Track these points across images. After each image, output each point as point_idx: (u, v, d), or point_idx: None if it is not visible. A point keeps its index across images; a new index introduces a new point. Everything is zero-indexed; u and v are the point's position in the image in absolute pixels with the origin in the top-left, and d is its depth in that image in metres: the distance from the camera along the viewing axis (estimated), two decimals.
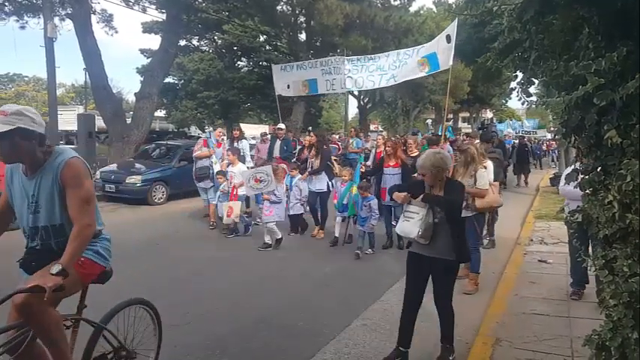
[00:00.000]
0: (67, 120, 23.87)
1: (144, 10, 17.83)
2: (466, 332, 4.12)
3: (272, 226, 7.05)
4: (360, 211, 6.83)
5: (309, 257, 6.70)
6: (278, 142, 10.19)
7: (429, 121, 35.86)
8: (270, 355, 3.74)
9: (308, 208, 8.14)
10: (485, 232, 6.46)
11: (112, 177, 11.31)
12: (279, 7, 20.61)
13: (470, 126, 44.78)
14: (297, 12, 21.23)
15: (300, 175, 8.12)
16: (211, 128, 11.47)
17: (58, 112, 14.45)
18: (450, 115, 43.58)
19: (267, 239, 7.06)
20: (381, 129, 42.79)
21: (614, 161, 1.93)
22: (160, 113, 33.46)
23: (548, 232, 8.09)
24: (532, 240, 7.59)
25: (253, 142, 14.88)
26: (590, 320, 3.75)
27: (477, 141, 13.81)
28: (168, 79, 27.47)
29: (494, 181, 8.77)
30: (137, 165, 12.09)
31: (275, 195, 7.10)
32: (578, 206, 2.32)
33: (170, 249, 6.94)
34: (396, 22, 20.30)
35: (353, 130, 16.17)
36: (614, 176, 1.87)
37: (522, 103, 2.34)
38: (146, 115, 15.02)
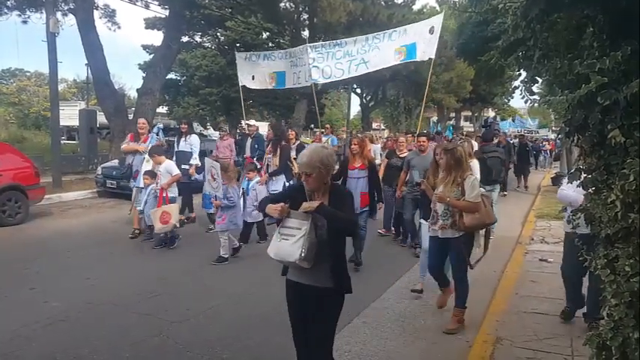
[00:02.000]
0: (69, 115, 23.92)
1: (147, 6, 17.76)
2: (467, 331, 4.13)
3: (224, 236, 6.12)
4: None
5: None
6: (249, 140, 9.17)
7: (435, 119, 35.84)
8: (270, 352, 3.75)
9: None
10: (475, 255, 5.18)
11: (114, 173, 11.33)
12: (282, 4, 20.57)
13: (472, 125, 44.73)
14: (300, 9, 21.19)
15: (258, 178, 7.18)
16: (160, 124, 10.09)
17: (60, 108, 14.43)
18: (453, 114, 43.58)
19: (223, 252, 6.09)
20: (383, 127, 42.78)
21: (617, 160, 1.93)
22: (162, 109, 33.49)
23: (549, 231, 8.09)
24: (533, 239, 7.59)
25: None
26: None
27: (473, 141, 13.53)
28: (171, 76, 27.49)
29: (492, 181, 8.54)
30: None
31: (228, 199, 6.15)
32: (581, 205, 2.33)
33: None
34: (399, 19, 20.24)
35: (328, 126, 14.62)
36: (617, 175, 1.86)
37: (525, 102, 2.33)
38: (148, 112, 15.00)
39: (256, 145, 8.96)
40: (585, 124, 2.02)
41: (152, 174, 6.72)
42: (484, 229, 4.31)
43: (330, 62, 9.49)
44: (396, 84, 30.82)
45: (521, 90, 2.29)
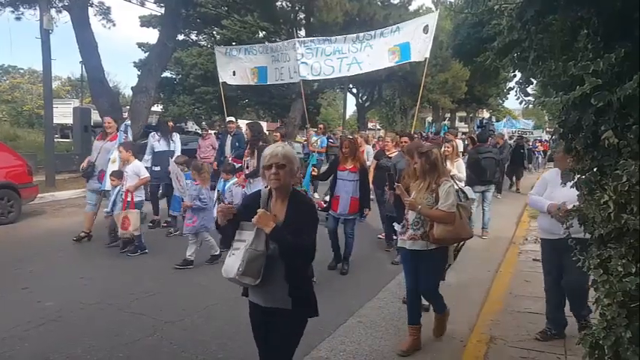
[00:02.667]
0: (63, 113, 23.78)
1: (142, 4, 17.70)
2: (461, 330, 4.14)
3: (193, 238, 5.86)
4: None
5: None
6: (229, 139, 8.73)
7: (430, 119, 35.94)
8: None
9: None
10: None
11: None
12: (278, 3, 20.58)
13: (467, 125, 44.94)
14: (296, 8, 21.21)
15: (235, 179, 6.76)
16: (128, 121, 9.50)
17: (54, 106, 14.34)
18: (448, 115, 43.75)
19: (189, 253, 5.81)
20: (378, 127, 42.85)
21: (610, 162, 1.94)
22: (157, 108, 33.37)
23: None
24: (527, 239, 7.62)
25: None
26: None
27: (459, 140, 13.35)
28: (166, 74, 27.44)
29: (487, 182, 8.52)
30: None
31: (200, 200, 5.85)
32: (574, 205, 2.35)
33: (165, 242, 6.92)
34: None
35: (322, 126, 14.11)
36: (611, 177, 1.88)
37: (520, 103, 2.35)
38: (143, 110, 14.95)
39: (237, 144, 8.56)
40: (579, 126, 2.03)
41: (119, 174, 6.36)
42: (457, 246, 3.92)
43: (319, 59, 9.10)
44: (391, 84, 30.92)
45: (516, 91, 2.31)
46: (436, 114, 38.22)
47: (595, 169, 2.04)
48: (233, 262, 2.33)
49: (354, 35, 9.17)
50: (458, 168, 6.97)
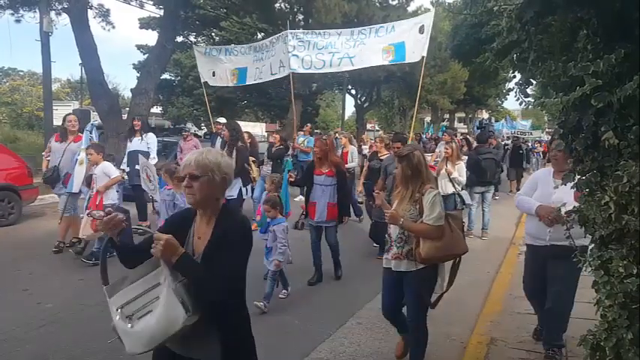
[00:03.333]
0: (63, 115, 23.74)
1: (141, 6, 17.72)
2: (461, 332, 4.14)
3: None
4: (266, 238, 4.87)
5: (304, 255, 6.70)
6: (218, 140, 8.43)
7: (429, 119, 35.93)
8: (266, 353, 3.73)
9: None
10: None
11: None
12: (277, 5, 20.59)
13: (466, 126, 44.96)
14: (295, 10, 21.23)
15: None
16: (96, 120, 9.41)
17: (54, 108, 14.36)
18: (447, 115, 43.77)
19: None
20: (377, 128, 42.88)
21: (610, 162, 1.94)
22: (157, 110, 33.37)
23: None
24: None
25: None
26: (585, 320, 3.77)
27: (454, 143, 13.04)
28: (165, 76, 27.44)
29: (487, 183, 8.40)
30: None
31: (176, 206, 5.34)
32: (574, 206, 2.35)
33: None
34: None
35: (308, 126, 13.21)
36: (611, 177, 1.88)
37: (520, 104, 2.35)
38: (142, 112, 14.93)
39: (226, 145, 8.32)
40: (579, 127, 2.03)
41: (88, 180, 6.09)
42: (455, 262, 3.36)
43: (311, 52, 8.82)
44: (390, 85, 30.92)
45: (515, 92, 2.30)
46: (435, 115, 38.24)
47: (595, 170, 2.04)
48: (162, 315, 1.76)
49: (349, 31, 8.94)
50: (459, 171, 6.93)
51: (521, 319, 4.39)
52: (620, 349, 1.84)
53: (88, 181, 6.10)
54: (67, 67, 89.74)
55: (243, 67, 9.88)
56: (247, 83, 10.40)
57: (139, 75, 19.87)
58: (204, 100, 29.97)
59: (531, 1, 1.91)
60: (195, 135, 16.27)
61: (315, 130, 22.14)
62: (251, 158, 7.28)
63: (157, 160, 7.40)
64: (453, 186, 6.83)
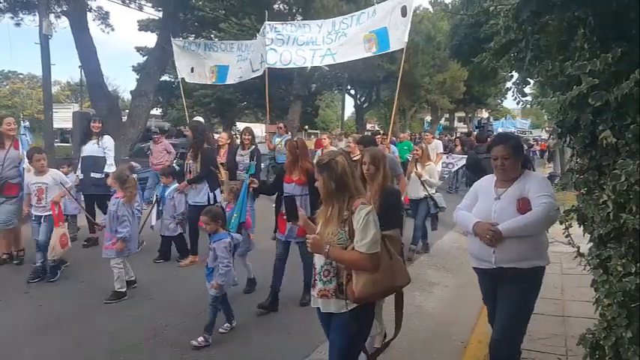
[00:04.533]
0: (63, 118, 23.80)
1: (140, 8, 17.75)
2: (461, 332, 4.13)
3: (114, 266, 4.77)
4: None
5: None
6: None
7: (429, 118, 35.90)
8: (267, 353, 3.74)
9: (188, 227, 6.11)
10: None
11: None
12: (275, 6, 20.61)
13: (466, 125, 44.95)
14: (293, 11, 21.25)
15: (177, 184, 6.10)
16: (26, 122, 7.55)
17: (54, 110, 14.34)
18: (447, 115, 43.78)
19: (118, 285, 4.77)
20: (377, 128, 42.89)
21: (608, 161, 1.95)
22: (156, 111, 33.40)
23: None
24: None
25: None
26: (585, 319, 3.77)
27: (438, 141, 12.15)
28: (165, 78, 27.40)
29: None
30: (132, 164, 12.02)
31: (117, 219, 4.77)
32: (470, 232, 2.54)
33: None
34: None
35: (282, 126, 11.36)
36: (609, 176, 1.88)
37: (517, 103, 2.36)
38: (142, 114, 14.99)
39: None
40: (577, 125, 2.04)
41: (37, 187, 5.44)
42: (396, 295, 2.69)
43: (290, 47, 8.21)
44: (390, 85, 30.91)
45: (513, 91, 2.31)
46: (435, 114, 38.24)
47: (593, 169, 2.05)
48: None
49: (330, 22, 8.29)
50: (430, 172, 6.52)
51: None
52: (620, 348, 1.84)
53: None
54: (67, 69, 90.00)
55: (224, 65, 9.39)
56: (227, 83, 9.97)
57: (138, 77, 19.91)
58: (203, 101, 29.79)
59: (528, 1, 1.92)
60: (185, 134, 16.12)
61: (315, 131, 22.10)
62: (219, 160, 6.71)
63: (114, 167, 6.64)
64: (425, 189, 6.43)
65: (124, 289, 4.82)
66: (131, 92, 16.22)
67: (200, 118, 8.87)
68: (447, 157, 12.21)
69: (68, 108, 29.68)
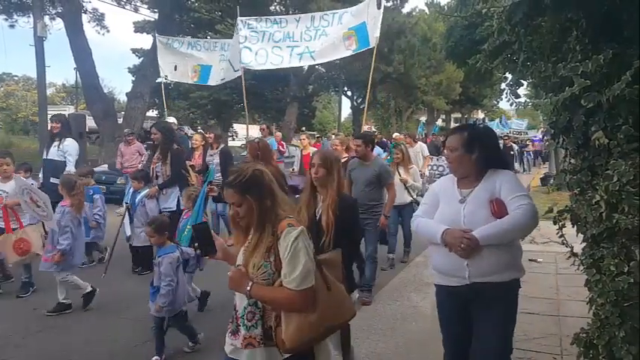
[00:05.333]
0: None
1: (136, 10, 17.76)
2: None
3: (62, 278, 4.42)
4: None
5: None
6: None
7: (424, 119, 35.97)
8: None
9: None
10: None
11: (103, 178, 11.22)
12: (272, 8, 20.62)
13: None
14: (290, 12, 21.24)
15: (147, 190, 5.64)
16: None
17: (48, 112, 14.30)
18: (443, 116, 43.90)
19: (62, 296, 4.45)
20: (374, 129, 42.98)
21: (601, 162, 1.97)
22: (152, 113, 33.30)
23: (539, 231, 8.15)
24: (522, 239, 7.63)
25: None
26: (580, 319, 3.79)
27: (422, 143, 10.56)
28: (160, 79, 27.42)
29: None
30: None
31: (61, 228, 4.38)
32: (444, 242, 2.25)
33: None
34: (389, 23, 20.42)
35: (266, 127, 10.75)
36: (602, 176, 1.90)
37: (511, 104, 2.37)
38: (138, 115, 14.96)
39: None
40: (570, 126, 2.05)
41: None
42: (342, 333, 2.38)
43: (266, 45, 7.55)
44: (386, 86, 31.00)
45: (506, 93, 2.32)
46: (431, 115, 38.35)
47: (586, 169, 2.06)
48: None
49: (309, 17, 7.77)
50: (413, 175, 6.19)
51: (518, 319, 4.39)
52: (613, 347, 1.86)
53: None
54: (62, 71, 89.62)
55: (207, 64, 8.96)
56: (210, 84, 9.55)
57: (134, 79, 19.86)
58: (199, 102, 29.75)
59: (520, 3, 1.93)
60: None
61: (312, 132, 22.13)
62: (188, 163, 6.28)
63: (73, 172, 6.06)
64: (410, 194, 6.09)
65: (68, 302, 4.48)
66: (127, 94, 16.18)
67: (173, 119, 8.51)
68: (438, 160, 11.94)
69: (63, 110, 29.52)
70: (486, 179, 2.37)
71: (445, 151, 2.48)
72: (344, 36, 7.28)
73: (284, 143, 11.33)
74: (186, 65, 9.31)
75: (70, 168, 6.26)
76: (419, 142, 10.36)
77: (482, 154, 2.35)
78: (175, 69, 9.50)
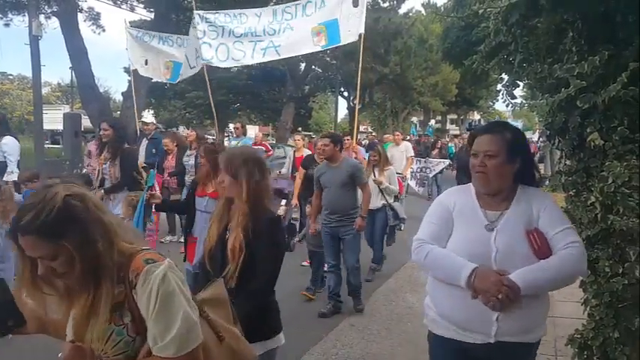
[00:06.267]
0: (53, 119, 23.61)
1: (132, 9, 17.67)
2: None
3: None
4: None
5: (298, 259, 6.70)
6: (144, 142, 7.05)
7: (415, 119, 36.00)
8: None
9: None
10: None
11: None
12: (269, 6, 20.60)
13: (458, 127, 45.26)
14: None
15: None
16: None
17: (44, 112, 14.29)
18: (439, 117, 44.00)
19: None
20: (370, 130, 43.09)
21: (596, 163, 1.97)
22: (148, 113, 33.28)
23: None
24: None
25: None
26: (574, 320, 3.80)
27: (407, 143, 9.79)
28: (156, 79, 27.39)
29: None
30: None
31: None
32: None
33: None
34: (386, 23, 20.44)
35: (240, 126, 9.69)
36: (597, 178, 1.90)
37: (507, 105, 2.37)
38: (133, 115, 14.92)
39: (154, 150, 6.87)
40: (565, 128, 2.06)
41: None
42: None
43: (226, 40, 7.03)
44: (382, 87, 31.04)
45: (502, 94, 2.33)
46: (427, 117, 38.45)
47: (581, 171, 2.07)
48: None
49: (270, 10, 7.33)
50: (389, 177, 5.63)
51: None
52: (607, 348, 1.86)
53: None
54: (58, 70, 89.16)
55: (178, 61, 8.32)
56: (177, 81, 9.00)
57: (130, 78, 19.82)
58: (196, 102, 29.61)
59: (516, 4, 1.93)
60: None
61: (308, 133, 22.12)
62: (140, 164, 5.75)
63: (15, 175, 5.54)
64: (384, 197, 5.57)
65: None
66: (122, 93, 16.15)
67: (151, 118, 7.73)
68: (425, 162, 11.34)
69: (59, 109, 29.44)
70: (518, 200, 1.74)
71: (475, 156, 1.75)
72: (313, 31, 6.78)
73: (266, 144, 10.80)
74: (158, 61, 8.72)
75: (12, 168, 5.63)
76: (404, 142, 9.58)
77: (522, 166, 1.74)
78: (146, 63, 8.88)
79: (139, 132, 8.57)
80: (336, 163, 4.49)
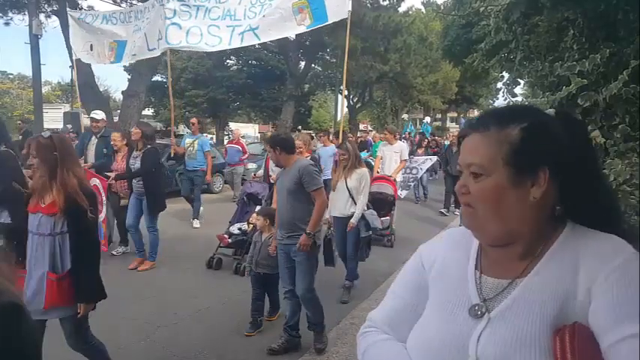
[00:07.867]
0: (53, 118, 23.60)
1: None
2: None
3: None
4: None
5: None
6: (94, 141, 6.34)
7: (406, 116, 35.98)
8: (260, 354, 3.74)
9: None
10: None
11: None
12: None
13: (457, 126, 45.22)
14: None
15: None
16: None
17: (44, 111, 14.27)
18: (439, 115, 43.99)
19: None
20: (370, 128, 43.08)
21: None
22: (148, 112, 33.24)
23: None
24: None
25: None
26: None
27: (402, 142, 8.89)
28: (156, 78, 27.28)
29: None
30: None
31: None
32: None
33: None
34: (385, 22, 20.38)
35: (196, 122, 8.54)
36: None
37: (507, 104, 2.37)
38: (133, 114, 14.91)
39: (104, 149, 6.24)
40: None
41: None
42: None
43: (200, 22, 6.32)
44: (382, 85, 31.04)
45: (503, 92, 2.33)
46: (427, 115, 38.46)
47: None
48: None
49: None
50: (360, 179, 4.88)
51: None
52: None
53: None
54: (58, 69, 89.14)
55: (122, 39, 7.54)
56: (122, 62, 8.27)
57: (129, 77, 19.78)
58: (195, 101, 29.57)
59: (517, 2, 1.93)
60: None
61: (308, 131, 22.09)
62: (86, 167, 5.30)
63: None
64: (355, 203, 4.88)
65: None
66: (123, 92, 16.14)
67: (102, 114, 6.68)
68: (410, 162, 9.79)
69: (59, 108, 29.41)
70: (552, 257, 0.89)
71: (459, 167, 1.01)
72: (294, 7, 6.05)
73: (242, 143, 10.55)
74: (102, 44, 7.78)
75: None
76: (398, 142, 8.26)
77: (564, 185, 0.90)
78: (91, 49, 7.99)
79: (83, 129, 7.83)
80: (288, 167, 3.72)
